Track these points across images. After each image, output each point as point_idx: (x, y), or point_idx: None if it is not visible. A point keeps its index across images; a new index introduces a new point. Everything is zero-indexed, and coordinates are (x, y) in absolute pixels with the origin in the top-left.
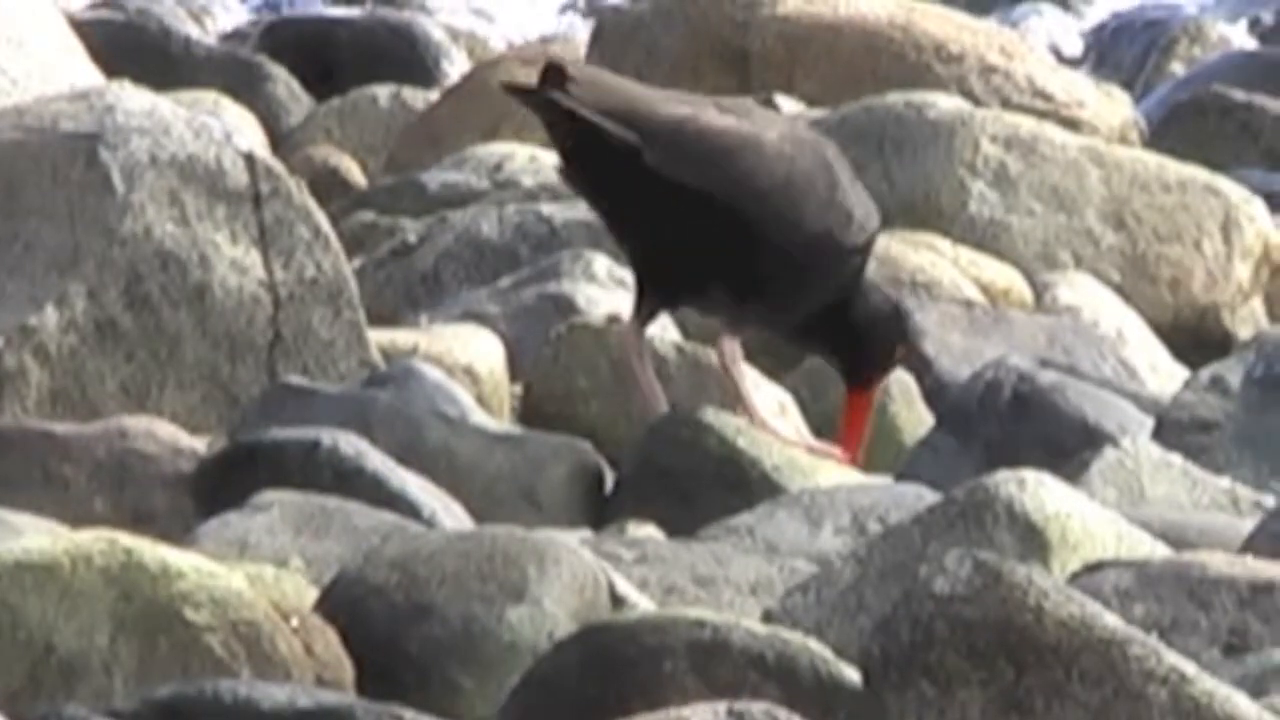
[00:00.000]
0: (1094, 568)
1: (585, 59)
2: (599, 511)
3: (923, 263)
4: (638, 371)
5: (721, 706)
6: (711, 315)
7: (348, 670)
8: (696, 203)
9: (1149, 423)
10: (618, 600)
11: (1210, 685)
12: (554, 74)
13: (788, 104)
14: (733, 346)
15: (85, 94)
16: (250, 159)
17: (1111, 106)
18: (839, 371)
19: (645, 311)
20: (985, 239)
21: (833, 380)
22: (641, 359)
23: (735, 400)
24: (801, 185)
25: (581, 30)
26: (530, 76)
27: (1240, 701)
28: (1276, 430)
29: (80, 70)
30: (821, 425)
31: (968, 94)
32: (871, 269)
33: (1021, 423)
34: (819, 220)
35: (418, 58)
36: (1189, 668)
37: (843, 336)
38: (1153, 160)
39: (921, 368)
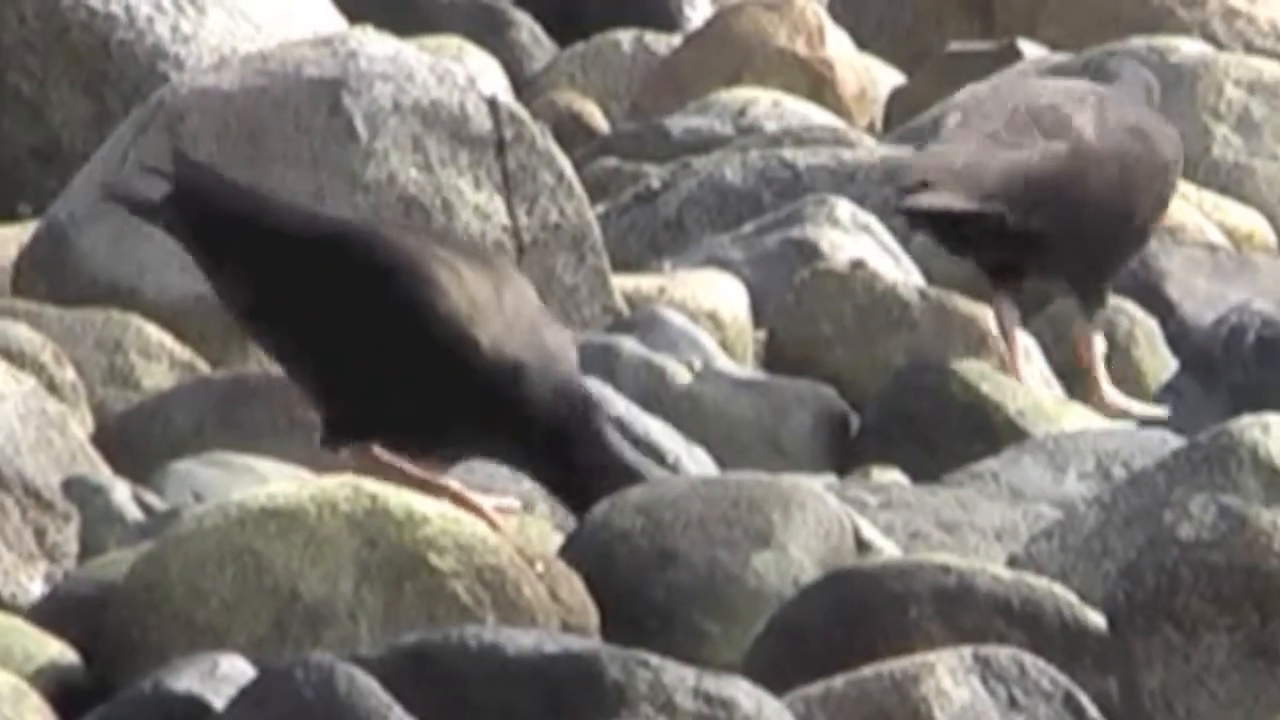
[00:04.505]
0: None
1: (828, 8)
2: (844, 457)
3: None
4: (1009, 337)
5: (967, 652)
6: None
7: (593, 616)
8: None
9: None
10: (863, 546)
11: None
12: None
13: (1031, 49)
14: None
15: (329, 40)
16: (494, 105)
17: None
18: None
19: (1010, 282)
20: (1229, 183)
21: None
22: (1011, 327)
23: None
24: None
25: None
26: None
27: None
28: None
29: (323, 16)
30: (1066, 371)
31: (1210, 38)
32: None
33: (1266, 367)
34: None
35: (661, 3)
36: None
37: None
38: None
39: (1165, 312)
